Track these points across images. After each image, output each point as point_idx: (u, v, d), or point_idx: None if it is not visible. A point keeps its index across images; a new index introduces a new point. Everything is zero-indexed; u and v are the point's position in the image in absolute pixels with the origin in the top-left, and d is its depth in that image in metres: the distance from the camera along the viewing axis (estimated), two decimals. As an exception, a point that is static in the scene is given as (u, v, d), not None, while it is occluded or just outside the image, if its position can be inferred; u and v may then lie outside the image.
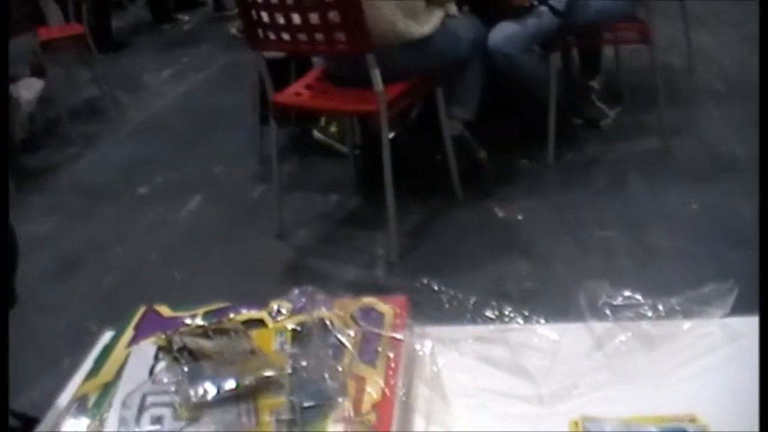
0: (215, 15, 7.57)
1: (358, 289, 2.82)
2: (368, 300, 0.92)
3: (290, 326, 0.87)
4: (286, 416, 0.76)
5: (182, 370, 0.79)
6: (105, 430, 0.78)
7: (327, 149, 4.00)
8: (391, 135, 3.13)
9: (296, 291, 0.94)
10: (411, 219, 3.29)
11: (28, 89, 4.89)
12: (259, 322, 0.91)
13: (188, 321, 0.92)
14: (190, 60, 6.23)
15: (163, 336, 0.88)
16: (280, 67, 3.71)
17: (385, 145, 2.95)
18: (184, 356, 0.82)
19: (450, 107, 3.37)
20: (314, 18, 2.95)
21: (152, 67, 6.21)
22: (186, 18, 7.52)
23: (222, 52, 6.24)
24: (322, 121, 4.06)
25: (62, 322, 2.92)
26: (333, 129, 4.03)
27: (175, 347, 0.82)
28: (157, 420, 0.77)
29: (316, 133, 4.06)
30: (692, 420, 0.78)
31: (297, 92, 3.29)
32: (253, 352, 0.83)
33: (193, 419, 0.76)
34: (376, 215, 3.17)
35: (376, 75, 2.91)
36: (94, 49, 5.40)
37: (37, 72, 4.97)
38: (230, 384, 0.79)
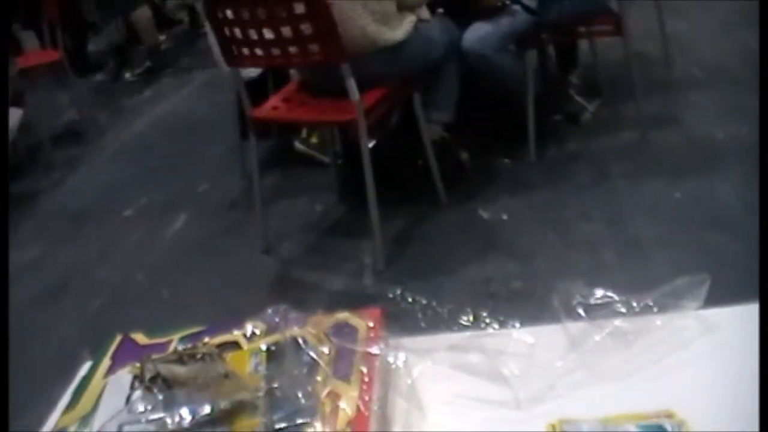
0: (192, 32, 7.56)
1: (347, 298, 2.84)
2: (342, 315, 0.92)
3: (264, 347, 0.87)
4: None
5: (156, 398, 0.79)
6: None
7: (309, 160, 4.00)
8: (372, 143, 3.14)
9: (269, 310, 0.94)
10: (396, 225, 3.29)
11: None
12: (234, 345, 0.91)
13: (165, 347, 0.92)
14: (170, 79, 6.22)
15: (137, 365, 0.87)
16: (257, 82, 3.72)
17: (364, 153, 2.95)
18: (158, 384, 0.81)
19: (428, 111, 3.37)
20: (287, 31, 2.95)
21: (132, 87, 6.20)
22: (162, 37, 7.50)
23: (201, 69, 6.23)
24: (303, 132, 4.06)
25: (52, 348, 2.91)
26: (314, 140, 4.03)
27: (148, 375, 0.82)
28: (134, 451, 0.77)
29: (298, 145, 4.06)
30: (669, 416, 0.78)
31: (274, 106, 3.29)
32: (227, 375, 0.83)
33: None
34: (361, 223, 3.17)
35: (352, 85, 2.91)
36: (70, 72, 5.39)
37: (16, 100, 4.96)
38: (205, 409, 0.78)
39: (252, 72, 3.69)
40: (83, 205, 4.21)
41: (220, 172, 4.22)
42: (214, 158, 4.40)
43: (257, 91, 3.49)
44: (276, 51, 3.04)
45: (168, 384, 0.81)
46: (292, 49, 3.00)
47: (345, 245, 3.30)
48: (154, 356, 0.87)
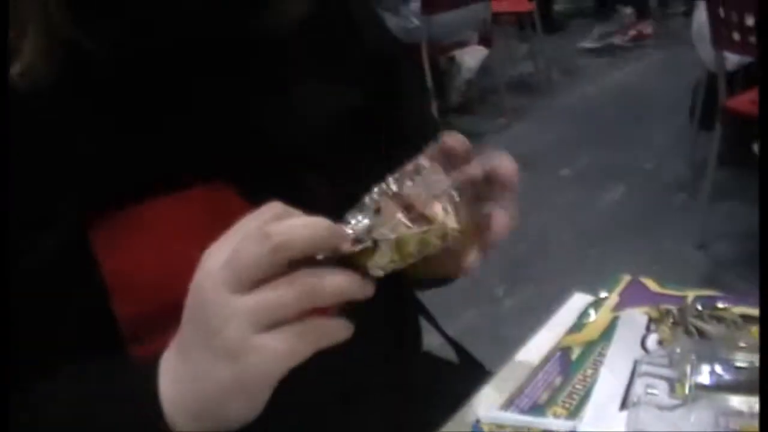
0: (657, 10, 7.38)
1: None
2: None
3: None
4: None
5: (689, 347, 0.77)
6: (594, 386, 0.78)
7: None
8: None
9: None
10: None
11: (471, 56, 5.09)
12: (755, 320, 0.85)
13: (680, 300, 0.89)
14: (625, 51, 6.14)
15: (659, 308, 0.86)
16: (732, 73, 3.54)
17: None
18: (690, 332, 0.79)
19: None
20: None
21: (588, 52, 6.21)
22: (628, 11, 7.40)
23: (660, 46, 6.09)
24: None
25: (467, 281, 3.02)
26: None
27: (688, 323, 0.80)
28: (652, 389, 0.75)
29: (755, 148, 3.82)
30: None
31: (753, 101, 3.10)
32: (754, 347, 0.78)
33: (691, 398, 0.73)
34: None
35: None
36: (539, 26, 5.49)
37: (484, 41, 5.15)
38: (729, 373, 0.75)
39: (729, 62, 3.52)
40: (523, 153, 4.29)
41: (665, 154, 4.10)
42: (661, 138, 4.29)
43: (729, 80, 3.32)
44: (770, 43, 2.86)
45: (699, 335, 0.78)
46: (790, 45, 2.80)
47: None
48: (681, 307, 0.85)
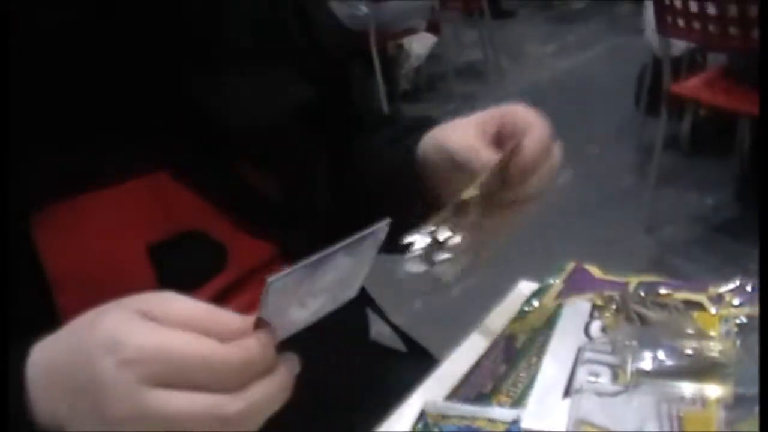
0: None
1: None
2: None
3: (743, 319, 0.82)
4: (731, 406, 0.71)
5: (631, 333, 0.77)
6: (538, 374, 0.79)
7: (709, 149, 3.80)
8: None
9: (738, 281, 0.89)
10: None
11: (420, 43, 5.09)
12: (698, 305, 0.86)
13: (622, 286, 0.90)
14: (575, 38, 6.19)
15: (602, 295, 0.86)
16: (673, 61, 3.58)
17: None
18: (631, 319, 0.79)
19: None
20: (732, 9, 2.79)
21: (537, 38, 6.25)
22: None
23: (609, 34, 6.14)
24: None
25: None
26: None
27: (630, 310, 0.80)
28: (595, 376, 0.76)
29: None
30: None
31: (696, 86, 3.15)
32: (698, 333, 0.79)
33: (633, 384, 0.74)
34: (756, 228, 2.96)
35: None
36: (487, 13, 5.50)
37: (433, 28, 5.16)
38: (672, 358, 0.75)
39: (675, 48, 3.56)
40: (472, 140, 4.31)
41: (611, 140, 4.15)
42: (607, 125, 4.33)
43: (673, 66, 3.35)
44: (714, 29, 2.90)
45: (643, 323, 0.79)
46: (733, 31, 2.84)
47: (731, 246, 3.11)
48: (621, 293, 0.85)
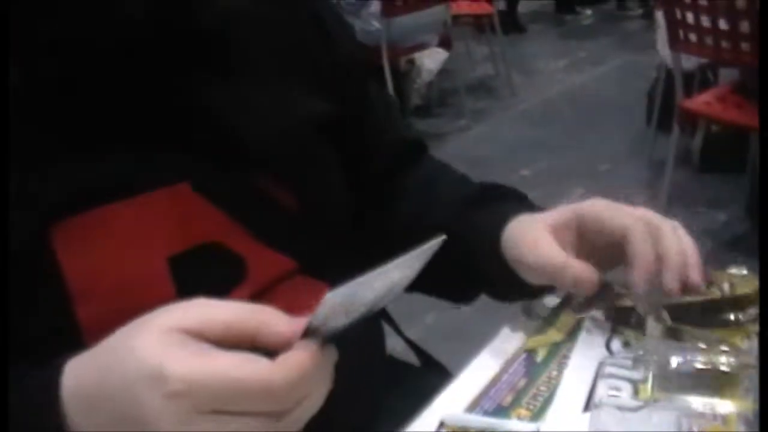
0: (617, 13, 7.47)
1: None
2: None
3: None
4: (751, 422, 0.71)
5: (652, 349, 0.77)
6: (558, 387, 0.78)
7: (721, 165, 3.79)
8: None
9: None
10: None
11: (431, 59, 5.10)
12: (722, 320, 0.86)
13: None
14: (586, 54, 6.20)
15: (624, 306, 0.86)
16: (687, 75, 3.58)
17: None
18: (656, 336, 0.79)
19: None
20: (744, 26, 2.80)
21: (548, 54, 6.26)
22: (588, 12, 7.48)
23: (619, 50, 6.15)
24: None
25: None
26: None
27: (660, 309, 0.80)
28: (615, 391, 0.75)
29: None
30: None
31: (707, 102, 3.15)
32: (719, 346, 0.79)
33: (653, 399, 0.73)
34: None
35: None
36: (499, 29, 5.51)
37: (444, 43, 5.17)
38: (698, 372, 0.75)
39: (687, 64, 3.56)
40: (484, 154, 4.31)
41: (622, 157, 4.15)
42: (618, 142, 4.33)
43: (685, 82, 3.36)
44: (726, 44, 2.91)
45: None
46: (745, 46, 2.85)
47: (743, 262, 3.09)
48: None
